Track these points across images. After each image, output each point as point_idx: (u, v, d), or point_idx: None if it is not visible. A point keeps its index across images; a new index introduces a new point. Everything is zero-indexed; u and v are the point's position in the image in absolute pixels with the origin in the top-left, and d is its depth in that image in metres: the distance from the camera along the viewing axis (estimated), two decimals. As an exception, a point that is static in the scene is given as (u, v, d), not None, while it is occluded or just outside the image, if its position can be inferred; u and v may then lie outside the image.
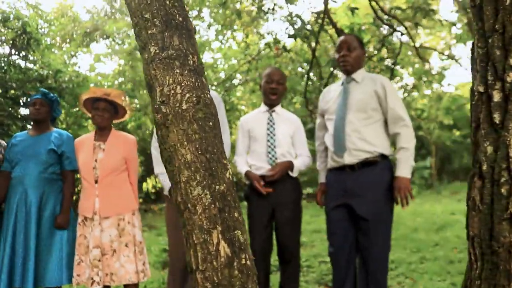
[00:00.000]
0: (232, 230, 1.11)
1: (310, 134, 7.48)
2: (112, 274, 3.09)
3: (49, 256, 3.13)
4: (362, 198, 2.79)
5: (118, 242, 3.12)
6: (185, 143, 1.10)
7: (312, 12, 5.04)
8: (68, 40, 11.81)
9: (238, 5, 8.31)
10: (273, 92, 3.19)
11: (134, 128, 11.78)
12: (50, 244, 3.15)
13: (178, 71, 1.18)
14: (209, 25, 9.79)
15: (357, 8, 4.42)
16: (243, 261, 1.09)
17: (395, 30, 5.17)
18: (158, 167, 3.12)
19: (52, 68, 9.99)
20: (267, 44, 5.89)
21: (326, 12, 4.53)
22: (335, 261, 2.94)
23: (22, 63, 10.02)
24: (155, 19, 1.22)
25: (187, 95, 1.15)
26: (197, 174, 1.08)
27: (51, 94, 3.39)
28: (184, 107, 1.13)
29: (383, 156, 2.84)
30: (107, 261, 3.08)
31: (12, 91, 9.53)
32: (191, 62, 1.22)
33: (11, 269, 3.02)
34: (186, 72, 1.19)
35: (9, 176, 3.23)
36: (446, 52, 12.70)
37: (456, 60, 11.14)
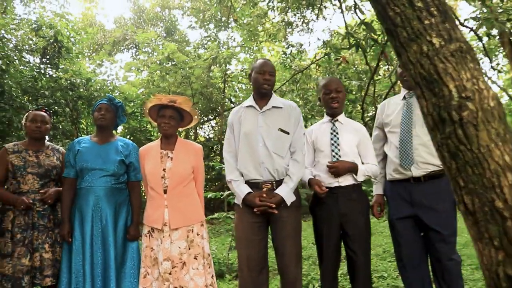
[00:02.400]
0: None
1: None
2: (182, 287, 2.94)
3: (123, 265, 3.04)
4: (431, 209, 2.80)
5: (187, 255, 2.97)
6: (500, 143, 0.99)
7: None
8: (96, 50, 11.78)
9: (277, 18, 8.30)
10: (334, 101, 3.10)
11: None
12: (124, 254, 3.06)
13: (471, 65, 1.07)
14: (252, 35, 9.72)
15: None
16: None
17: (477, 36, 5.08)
18: (231, 173, 2.97)
19: (82, 77, 9.92)
20: (326, 53, 5.80)
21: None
22: (408, 274, 2.91)
23: (52, 72, 9.94)
24: (431, 8, 1.12)
25: (491, 91, 1.05)
26: (522, 177, 0.98)
27: (117, 100, 3.29)
28: (492, 104, 1.03)
29: None
30: (176, 274, 2.93)
31: (41, 100, 9.39)
32: (476, 56, 1.12)
33: (92, 279, 2.92)
34: (477, 66, 1.09)
35: (74, 183, 3.11)
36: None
37: (500, 71, 10.86)
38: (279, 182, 2.85)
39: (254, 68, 3.00)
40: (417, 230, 2.90)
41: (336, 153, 3.00)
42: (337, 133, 3.07)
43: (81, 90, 9.59)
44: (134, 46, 12.29)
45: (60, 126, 9.65)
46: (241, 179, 2.94)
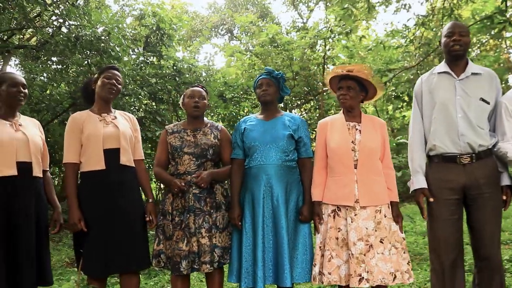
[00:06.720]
0: None
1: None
2: (368, 272, 2.62)
3: (295, 251, 2.82)
4: None
5: (374, 237, 2.68)
6: None
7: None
8: (190, 37, 11.80)
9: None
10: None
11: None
12: (296, 238, 2.85)
13: None
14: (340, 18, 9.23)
15: None
16: None
17: None
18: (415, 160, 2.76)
19: (186, 63, 9.91)
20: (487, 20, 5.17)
21: None
22: None
23: (155, 60, 10.02)
24: None
25: None
26: None
27: (276, 72, 3.04)
28: None
29: None
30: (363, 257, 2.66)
31: (146, 88, 9.42)
32: None
33: (264, 264, 2.72)
34: None
35: (243, 164, 2.98)
36: None
37: None
38: (478, 155, 2.58)
39: (443, 33, 2.75)
40: None
41: None
42: None
43: (186, 75, 9.57)
44: (228, 31, 12.21)
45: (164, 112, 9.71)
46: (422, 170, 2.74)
